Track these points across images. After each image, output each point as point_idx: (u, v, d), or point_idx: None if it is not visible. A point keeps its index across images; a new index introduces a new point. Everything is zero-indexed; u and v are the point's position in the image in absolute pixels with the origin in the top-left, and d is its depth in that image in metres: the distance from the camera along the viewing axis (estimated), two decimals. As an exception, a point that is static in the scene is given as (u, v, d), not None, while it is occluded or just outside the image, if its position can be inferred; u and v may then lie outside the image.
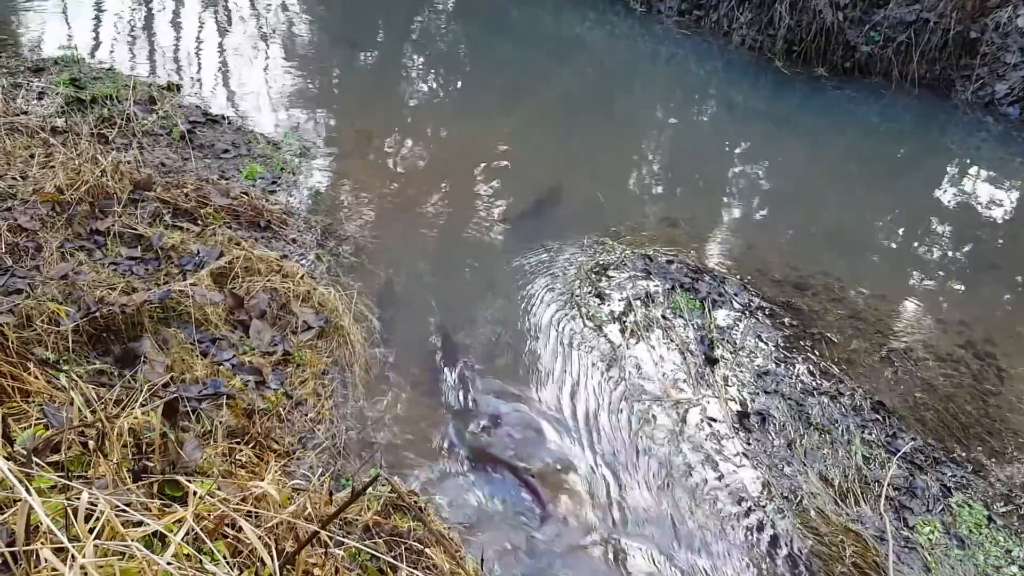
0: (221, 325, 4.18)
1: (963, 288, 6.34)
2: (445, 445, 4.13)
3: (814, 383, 4.95)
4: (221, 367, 3.90)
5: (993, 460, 4.57)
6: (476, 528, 3.70)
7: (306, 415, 3.93)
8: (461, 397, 4.44)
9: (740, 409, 4.68)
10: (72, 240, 4.47)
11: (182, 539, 2.18)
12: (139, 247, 4.61)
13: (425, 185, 6.62)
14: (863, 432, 4.61)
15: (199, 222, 5.08)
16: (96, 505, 2.13)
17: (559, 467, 4.11)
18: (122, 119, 6.29)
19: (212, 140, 6.55)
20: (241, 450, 3.40)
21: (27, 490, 1.93)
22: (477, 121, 8.20)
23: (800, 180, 8.01)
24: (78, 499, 2.12)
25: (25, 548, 1.98)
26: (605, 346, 5.01)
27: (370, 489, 3.29)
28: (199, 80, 8.16)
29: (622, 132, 8.64)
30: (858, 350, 5.31)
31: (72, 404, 2.86)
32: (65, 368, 3.37)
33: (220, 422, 3.48)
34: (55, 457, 2.59)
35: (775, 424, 4.59)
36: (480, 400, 4.46)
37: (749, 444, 4.45)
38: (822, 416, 4.68)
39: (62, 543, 1.95)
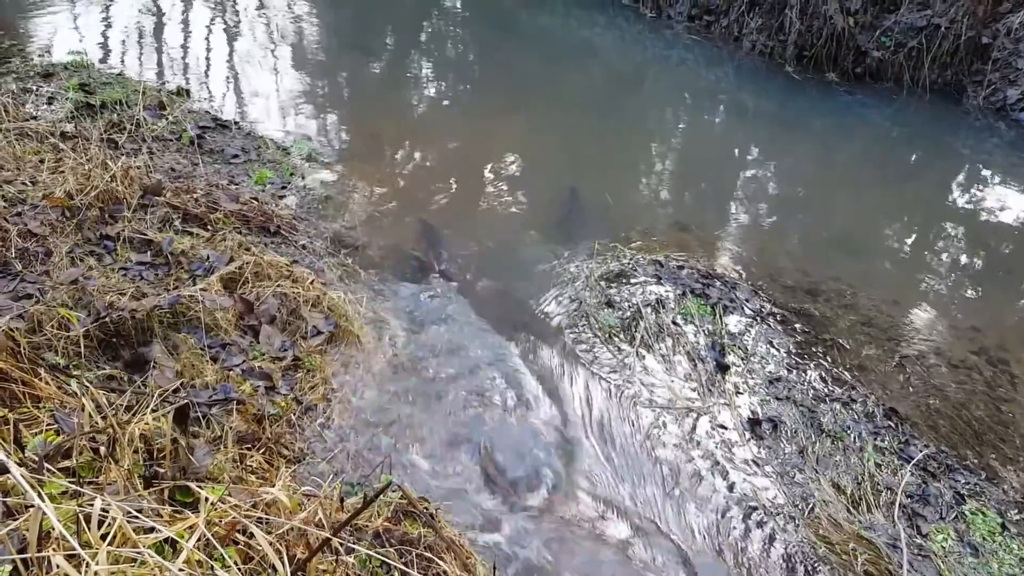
0: (231, 330, 4.17)
1: (975, 294, 6.31)
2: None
3: (826, 390, 4.92)
4: (231, 372, 3.89)
5: (1007, 467, 4.55)
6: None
7: (316, 420, 3.92)
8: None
9: (751, 416, 4.65)
10: (82, 245, 4.47)
11: (193, 545, 2.17)
12: (149, 252, 4.60)
13: (434, 189, 6.62)
14: (875, 439, 4.58)
15: (209, 227, 5.07)
16: (108, 511, 2.12)
17: (569, 473, 4.10)
18: (132, 124, 6.30)
19: (222, 145, 6.55)
20: (251, 456, 3.38)
21: (40, 497, 1.92)
22: (486, 126, 8.20)
23: (811, 185, 7.99)
24: (90, 505, 2.11)
25: (37, 555, 1.96)
26: (615, 352, 4.99)
27: (381, 495, 3.27)
28: (209, 85, 8.16)
29: (631, 136, 8.63)
30: (870, 356, 5.29)
31: (83, 410, 2.85)
32: (76, 373, 3.36)
33: (230, 428, 3.47)
34: (66, 463, 2.58)
35: (787, 431, 4.57)
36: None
37: (760, 451, 4.42)
38: (834, 423, 4.66)
39: (74, 550, 1.94)
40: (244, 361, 4.01)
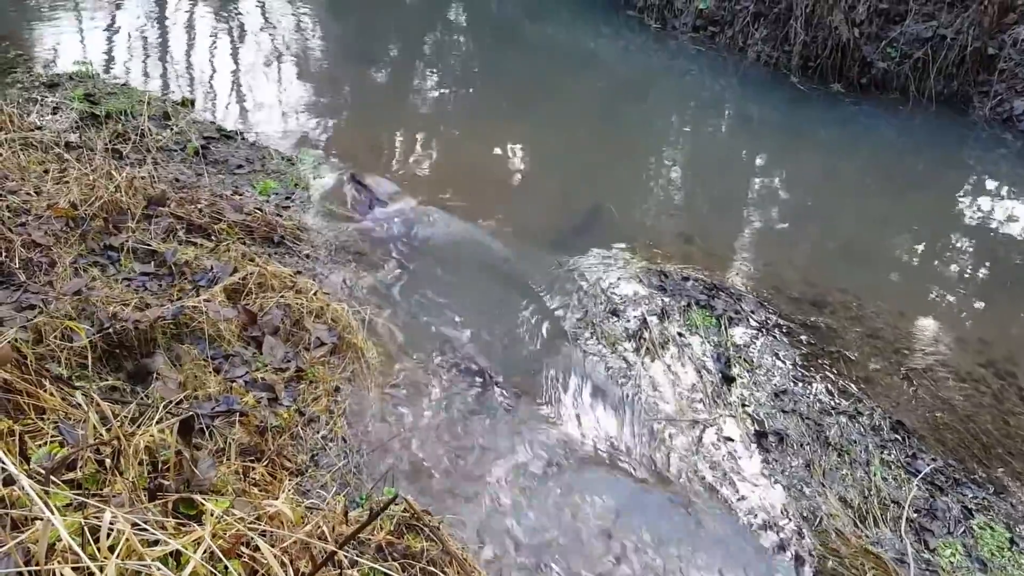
0: (234, 341, 4.15)
1: (982, 305, 6.29)
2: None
3: (832, 402, 4.90)
4: (234, 384, 3.87)
5: (1015, 481, 4.52)
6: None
7: (318, 432, 3.90)
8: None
9: (757, 429, 4.63)
10: (86, 255, 4.46)
11: (199, 558, 2.16)
12: (153, 263, 4.59)
13: (438, 199, 6.60)
14: (882, 452, 4.56)
15: (213, 238, 5.06)
16: (113, 524, 2.11)
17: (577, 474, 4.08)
18: (136, 134, 6.30)
19: (226, 156, 6.54)
20: (254, 468, 3.36)
21: (49, 509, 1.91)
22: (490, 136, 8.19)
23: (816, 195, 7.98)
24: (96, 517, 2.09)
25: (45, 568, 1.95)
26: (620, 363, 4.97)
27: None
28: (213, 96, 8.17)
29: (635, 146, 8.63)
30: (876, 369, 5.27)
31: (87, 421, 2.83)
32: (80, 385, 3.35)
33: (233, 439, 3.45)
34: (70, 475, 2.57)
35: (793, 444, 4.55)
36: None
37: (767, 464, 4.40)
38: (840, 436, 4.63)
39: (80, 562, 1.92)
40: (247, 372, 3.99)
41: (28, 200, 4.72)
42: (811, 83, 10.34)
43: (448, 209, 6.42)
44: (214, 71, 8.88)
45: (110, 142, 6.04)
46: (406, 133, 7.97)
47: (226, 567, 2.23)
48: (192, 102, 7.57)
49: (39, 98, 6.78)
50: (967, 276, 6.76)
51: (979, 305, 6.31)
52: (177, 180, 5.86)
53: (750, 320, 5.52)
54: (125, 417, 3.08)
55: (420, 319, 5.07)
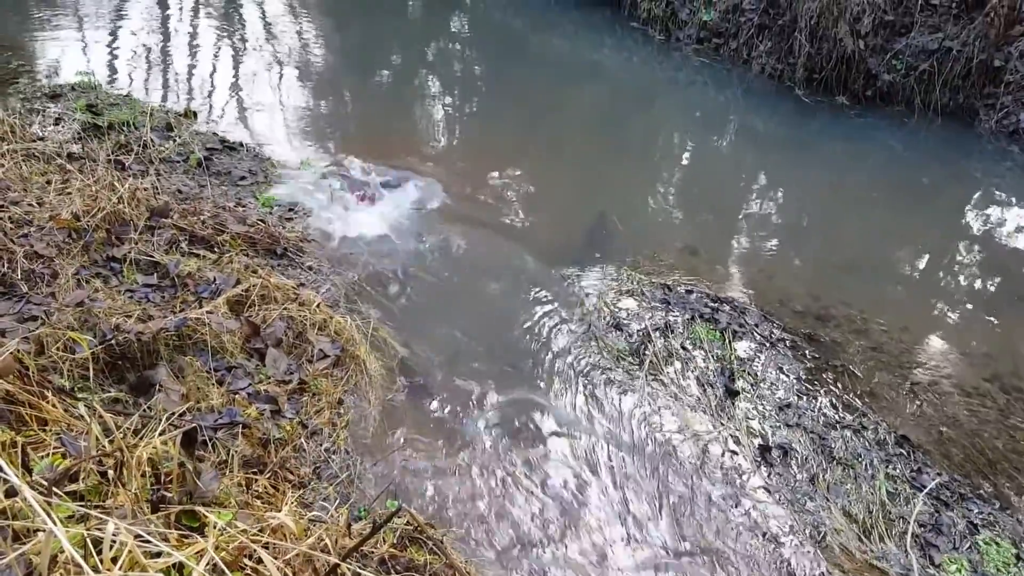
0: (237, 353, 4.14)
1: (988, 320, 6.26)
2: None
3: (837, 416, 4.88)
4: (237, 396, 3.85)
5: (1021, 496, 4.49)
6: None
7: (321, 445, 3.89)
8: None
9: (761, 442, 4.61)
10: (88, 267, 4.45)
11: (203, 570, 2.14)
12: (155, 274, 4.58)
13: (441, 207, 6.60)
14: (887, 467, 4.54)
15: (216, 249, 5.06)
16: (116, 536, 2.10)
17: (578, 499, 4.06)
18: (139, 146, 6.30)
19: (229, 167, 6.54)
20: (257, 480, 3.35)
21: (52, 521, 1.89)
22: (493, 147, 8.20)
23: (821, 208, 7.96)
24: (99, 529, 2.08)
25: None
26: (623, 377, 4.96)
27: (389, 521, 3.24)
28: (216, 107, 8.17)
29: (639, 158, 8.63)
30: (881, 383, 5.25)
31: (90, 433, 2.82)
32: (82, 396, 3.33)
33: (236, 452, 3.44)
34: (73, 486, 2.55)
35: (797, 458, 4.53)
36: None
37: (771, 478, 4.38)
38: (845, 450, 4.61)
39: (83, 574, 1.91)
40: (250, 384, 3.98)
41: (30, 211, 4.72)
42: (816, 95, 10.33)
43: (450, 218, 6.43)
44: (217, 82, 8.89)
45: (113, 153, 6.04)
46: (410, 146, 7.96)
47: (229, 580, 2.22)
48: (195, 113, 7.57)
49: (41, 109, 6.78)
50: (972, 290, 6.74)
51: (984, 319, 6.28)
52: (180, 191, 5.86)
53: (754, 333, 5.50)
54: (128, 429, 3.06)
55: (422, 332, 5.06)
